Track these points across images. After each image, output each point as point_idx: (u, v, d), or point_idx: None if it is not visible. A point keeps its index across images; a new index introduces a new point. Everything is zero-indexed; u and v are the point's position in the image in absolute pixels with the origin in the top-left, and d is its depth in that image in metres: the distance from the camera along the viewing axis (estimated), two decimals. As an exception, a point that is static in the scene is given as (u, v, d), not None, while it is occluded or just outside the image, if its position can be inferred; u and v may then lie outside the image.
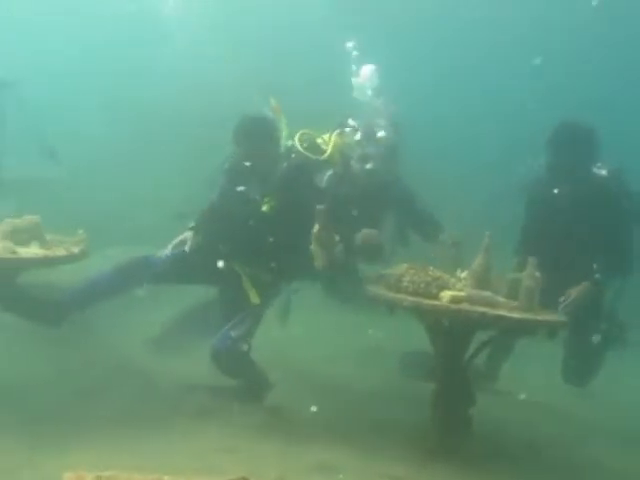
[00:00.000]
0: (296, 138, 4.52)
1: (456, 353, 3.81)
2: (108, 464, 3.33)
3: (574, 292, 4.48)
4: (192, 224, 4.52)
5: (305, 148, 4.50)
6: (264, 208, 4.34)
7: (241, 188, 4.40)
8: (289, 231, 4.24)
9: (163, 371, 4.93)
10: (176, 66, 9.24)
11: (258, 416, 4.20)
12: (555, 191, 4.72)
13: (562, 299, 4.42)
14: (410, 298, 3.65)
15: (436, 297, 3.65)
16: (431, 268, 3.86)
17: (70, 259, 4.10)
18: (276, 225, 4.32)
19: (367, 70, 4.90)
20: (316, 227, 3.94)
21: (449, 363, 3.82)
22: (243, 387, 4.46)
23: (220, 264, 4.35)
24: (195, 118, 8.58)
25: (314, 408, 4.15)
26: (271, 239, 4.34)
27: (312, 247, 3.96)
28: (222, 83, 8.76)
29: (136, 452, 3.54)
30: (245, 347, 4.24)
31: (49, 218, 4.28)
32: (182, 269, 4.43)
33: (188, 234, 4.47)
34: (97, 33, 10.00)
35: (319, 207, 3.92)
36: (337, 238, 4.02)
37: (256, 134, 4.34)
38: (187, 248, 4.41)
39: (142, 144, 8.83)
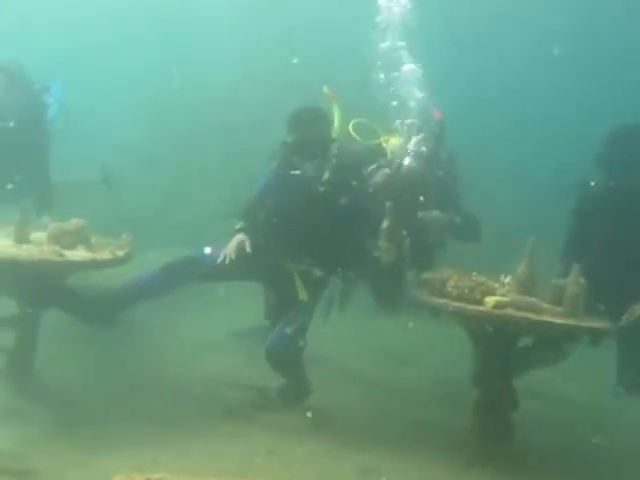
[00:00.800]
0: (350, 126, 4.56)
1: (499, 359, 3.77)
2: (154, 465, 3.44)
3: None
4: (239, 225, 4.44)
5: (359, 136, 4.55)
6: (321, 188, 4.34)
7: (296, 172, 4.39)
8: (339, 223, 4.31)
9: (207, 372, 4.98)
10: (216, 66, 9.26)
11: (299, 418, 4.22)
12: (611, 195, 4.58)
13: (625, 316, 4.29)
14: (454, 303, 3.64)
15: (480, 302, 3.62)
16: (474, 273, 3.84)
17: (116, 262, 4.17)
18: (327, 218, 4.32)
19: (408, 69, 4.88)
20: (386, 222, 3.97)
21: (492, 369, 3.78)
22: (285, 389, 4.48)
23: (270, 260, 4.37)
24: (235, 119, 8.60)
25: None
26: (322, 233, 4.33)
27: (381, 242, 4.01)
28: (262, 83, 8.79)
29: (182, 453, 3.60)
30: (302, 343, 4.26)
31: (91, 221, 4.35)
32: (230, 267, 4.38)
33: (240, 236, 4.37)
34: (136, 32, 10.05)
35: (389, 203, 3.98)
36: (404, 233, 4.06)
37: (308, 121, 4.39)
38: (249, 249, 4.30)
39: (181, 145, 8.88)
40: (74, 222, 4.24)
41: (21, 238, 4.11)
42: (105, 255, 4.15)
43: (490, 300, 3.59)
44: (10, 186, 4.90)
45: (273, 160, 4.54)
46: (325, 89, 4.56)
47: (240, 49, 9.22)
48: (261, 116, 8.08)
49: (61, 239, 4.15)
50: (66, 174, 6.67)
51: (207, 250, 4.49)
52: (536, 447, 3.99)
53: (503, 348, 3.74)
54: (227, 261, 4.27)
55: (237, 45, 9.30)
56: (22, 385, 4.10)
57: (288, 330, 4.21)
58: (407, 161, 4.67)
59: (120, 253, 4.23)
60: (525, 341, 3.93)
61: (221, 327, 6.08)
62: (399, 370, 5.53)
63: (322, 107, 4.50)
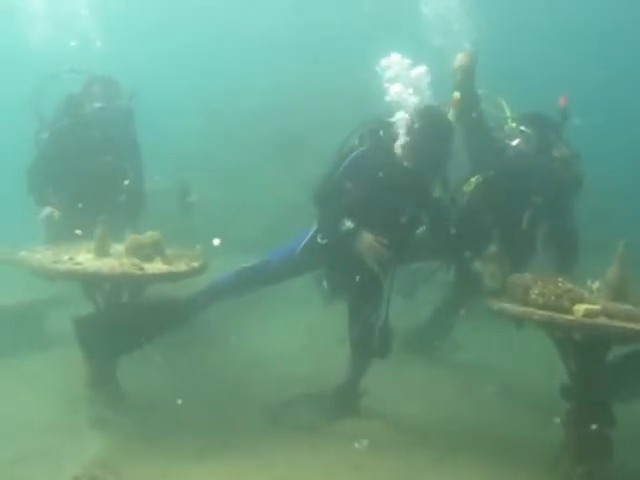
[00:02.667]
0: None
1: (590, 369, 3.59)
2: (236, 477, 3.44)
3: None
4: (349, 223, 4.24)
5: None
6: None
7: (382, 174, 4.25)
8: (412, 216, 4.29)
9: (282, 379, 4.95)
10: (273, 72, 9.28)
11: (379, 430, 4.17)
12: None
13: None
14: (540, 311, 3.48)
15: (568, 311, 3.45)
16: (560, 279, 3.67)
17: (192, 273, 4.21)
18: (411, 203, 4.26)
19: None
20: (494, 247, 3.89)
21: (582, 380, 3.61)
22: (340, 392, 4.46)
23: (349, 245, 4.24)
24: (299, 125, 8.58)
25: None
26: (404, 216, 4.27)
27: (488, 267, 3.90)
28: (317, 88, 8.75)
29: (266, 465, 3.61)
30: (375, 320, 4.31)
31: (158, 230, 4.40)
32: (302, 259, 4.40)
33: (370, 237, 4.19)
34: (191, 41, 10.17)
35: (498, 229, 4.04)
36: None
37: (443, 129, 4.20)
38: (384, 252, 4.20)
39: (241, 151, 8.89)
40: (150, 235, 4.30)
41: (102, 252, 4.20)
42: (181, 267, 4.20)
43: (579, 308, 3.40)
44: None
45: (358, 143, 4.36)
46: (455, 95, 4.53)
47: (293, 54, 9.14)
48: (320, 121, 8.04)
49: (138, 252, 4.22)
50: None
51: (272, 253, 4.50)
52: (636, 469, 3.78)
53: (595, 359, 3.56)
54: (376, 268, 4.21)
55: (290, 49, 9.22)
56: (105, 396, 4.18)
57: (372, 318, 4.25)
58: (516, 142, 4.60)
59: (195, 264, 4.27)
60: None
61: (288, 331, 6.08)
62: (477, 379, 5.31)
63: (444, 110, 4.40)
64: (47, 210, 4.86)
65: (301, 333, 6.08)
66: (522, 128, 4.67)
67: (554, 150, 4.63)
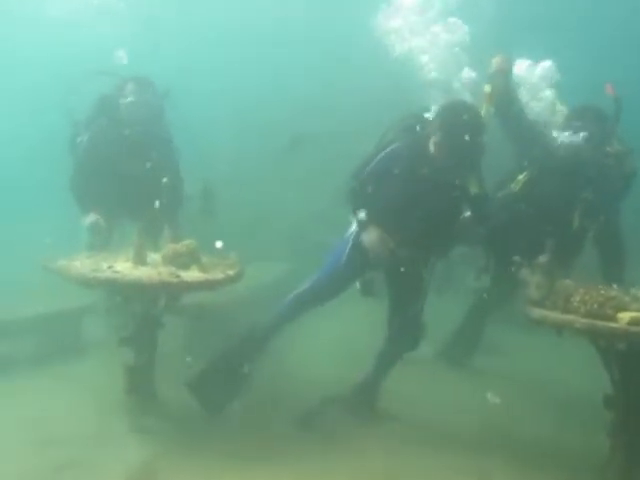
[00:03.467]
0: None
1: (634, 379, 3.52)
2: None
3: None
4: (361, 213, 4.28)
5: None
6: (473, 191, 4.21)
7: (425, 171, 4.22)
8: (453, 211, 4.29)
9: (323, 383, 4.94)
10: (303, 77, 9.25)
11: (415, 435, 4.17)
12: None
13: None
14: (582, 319, 3.42)
15: (612, 318, 3.39)
16: (602, 287, 3.62)
17: (228, 281, 4.22)
18: (444, 202, 4.22)
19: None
20: (544, 257, 3.85)
21: (626, 389, 3.54)
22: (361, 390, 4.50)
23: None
24: (325, 130, 8.57)
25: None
26: (437, 216, 4.23)
27: (535, 277, 3.83)
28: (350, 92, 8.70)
29: (300, 471, 3.63)
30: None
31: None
32: (354, 263, 4.38)
33: (377, 232, 4.21)
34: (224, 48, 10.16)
35: (551, 240, 3.88)
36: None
37: (471, 123, 4.11)
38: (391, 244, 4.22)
39: (271, 158, 8.91)
40: (186, 243, 4.33)
41: (139, 260, 4.24)
42: (217, 275, 4.22)
43: (624, 316, 3.34)
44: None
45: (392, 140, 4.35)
46: (486, 88, 4.45)
47: (329, 57, 9.10)
48: (351, 126, 8.01)
49: (175, 260, 4.25)
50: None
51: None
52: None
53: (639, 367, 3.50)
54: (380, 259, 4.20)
55: (324, 53, 9.15)
56: (145, 403, 4.22)
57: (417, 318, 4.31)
58: (565, 136, 4.51)
59: (231, 272, 4.29)
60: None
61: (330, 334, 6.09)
62: (518, 386, 5.23)
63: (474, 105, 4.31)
64: (92, 217, 4.91)
65: (337, 334, 6.07)
66: (573, 122, 4.53)
67: (606, 145, 4.51)
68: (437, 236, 4.26)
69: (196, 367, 4.35)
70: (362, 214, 4.24)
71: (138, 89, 5.06)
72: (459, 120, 4.05)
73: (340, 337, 6.08)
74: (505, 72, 4.64)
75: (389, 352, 4.51)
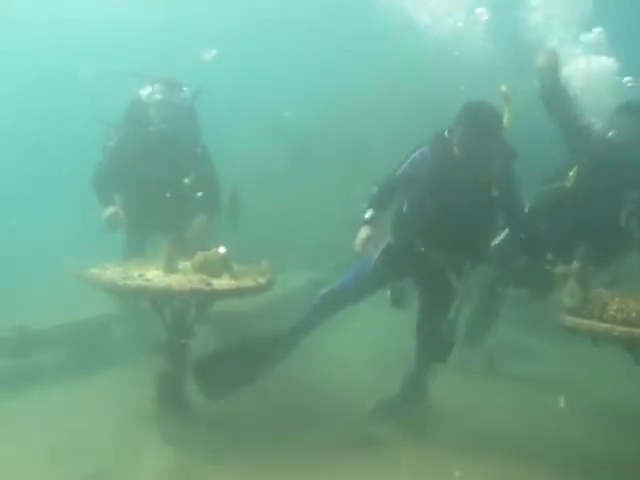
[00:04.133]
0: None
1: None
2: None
3: None
4: (369, 214, 4.40)
5: None
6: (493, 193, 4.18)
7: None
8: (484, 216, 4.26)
9: (352, 391, 4.94)
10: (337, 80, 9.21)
11: (457, 441, 4.13)
12: None
13: None
14: (620, 328, 3.38)
15: (651, 327, 3.35)
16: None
17: (259, 289, 4.23)
18: (478, 209, 4.20)
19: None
20: (577, 263, 3.82)
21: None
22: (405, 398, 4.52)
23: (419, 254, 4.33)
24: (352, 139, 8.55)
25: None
26: (471, 223, 4.22)
27: (566, 280, 3.79)
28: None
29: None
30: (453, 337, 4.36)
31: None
32: (383, 270, 4.42)
33: (365, 231, 4.34)
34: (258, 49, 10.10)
35: (582, 247, 3.93)
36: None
37: (486, 121, 4.14)
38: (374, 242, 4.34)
39: (303, 162, 8.84)
40: (217, 251, 4.34)
41: (170, 268, 4.26)
42: (248, 282, 4.23)
43: (663, 324, 3.31)
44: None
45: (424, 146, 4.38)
46: (503, 88, 4.41)
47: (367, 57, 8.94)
48: (386, 136, 7.93)
49: (206, 268, 4.27)
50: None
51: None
52: None
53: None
54: (359, 253, 4.29)
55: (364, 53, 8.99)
56: (176, 412, 4.23)
57: (446, 330, 4.28)
58: (611, 134, 4.51)
59: (262, 280, 4.30)
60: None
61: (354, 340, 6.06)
62: (551, 394, 5.05)
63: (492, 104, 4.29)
64: (111, 209, 4.97)
65: (369, 342, 6.05)
66: (621, 118, 4.56)
67: None
68: (468, 240, 4.26)
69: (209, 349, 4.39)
70: (369, 214, 4.38)
71: (165, 89, 5.17)
72: (474, 118, 4.10)
73: (364, 343, 6.06)
74: (551, 68, 4.64)
75: (422, 362, 4.53)
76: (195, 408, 4.34)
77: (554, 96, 4.66)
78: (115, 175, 5.17)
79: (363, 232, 4.35)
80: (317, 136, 8.76)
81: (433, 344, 4.38)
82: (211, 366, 4.34)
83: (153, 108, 5.16)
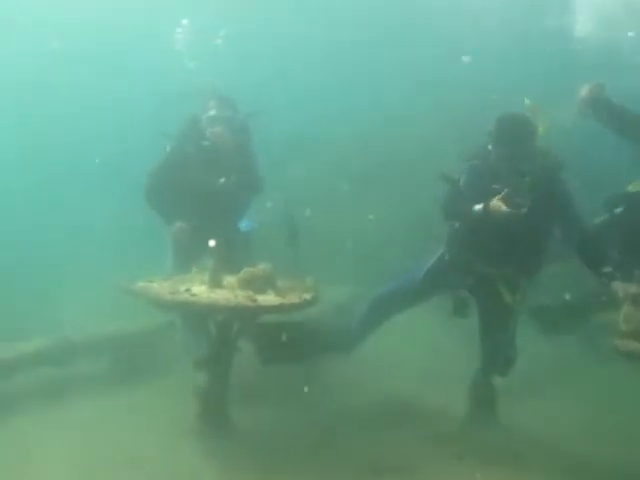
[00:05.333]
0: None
1: None
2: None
3: None
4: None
5: None
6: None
7: (497, 186, 4.13)
8: (538, 230, 4.22)
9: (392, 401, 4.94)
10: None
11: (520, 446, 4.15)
12: None
13: None
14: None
15: None
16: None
17: (304, 306, 4.21)
18: (527, 224, 4.09)
19: None
20: (635, 287, 3.71)
21: None
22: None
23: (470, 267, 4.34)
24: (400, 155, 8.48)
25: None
26: (522, 238, 4.16)
27: (625, 308, 3.65)
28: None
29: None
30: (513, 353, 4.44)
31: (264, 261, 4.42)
32: (432, 280, 4.47)
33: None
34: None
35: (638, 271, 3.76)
36: None
37: (521, 134, 4.14)
38: None
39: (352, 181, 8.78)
40: (263, 267, 4.34)
41: (215, 283, 4.27)
42: (294, 299, 4.21)
43: None
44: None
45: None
46: (526, 101, 4.37)
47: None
48: (435, 149, 7.81)
49: (251, 284, 4.26)
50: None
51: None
52: None
53: None
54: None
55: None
56: (217, 427, 4.22)
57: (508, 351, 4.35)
58: None
59: (307, 296, 4.27)
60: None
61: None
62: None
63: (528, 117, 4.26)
64: (178, 224, 5.03)
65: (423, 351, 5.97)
66: None
67: None
68: (518, 254, 4.21)
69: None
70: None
71: (219, 105, 5.22)
72: (507, 128, 4.12)
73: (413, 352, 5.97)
74: (593, 100, 4.55)
75: (483, 372, 4.58)
76: (236, 423, 4.32)
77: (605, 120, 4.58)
78: (168, 188, 5.20)
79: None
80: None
81: (494, 359, 4.44)
82: (274, 333, 4.46)
83: (206, 122, 5.22)
